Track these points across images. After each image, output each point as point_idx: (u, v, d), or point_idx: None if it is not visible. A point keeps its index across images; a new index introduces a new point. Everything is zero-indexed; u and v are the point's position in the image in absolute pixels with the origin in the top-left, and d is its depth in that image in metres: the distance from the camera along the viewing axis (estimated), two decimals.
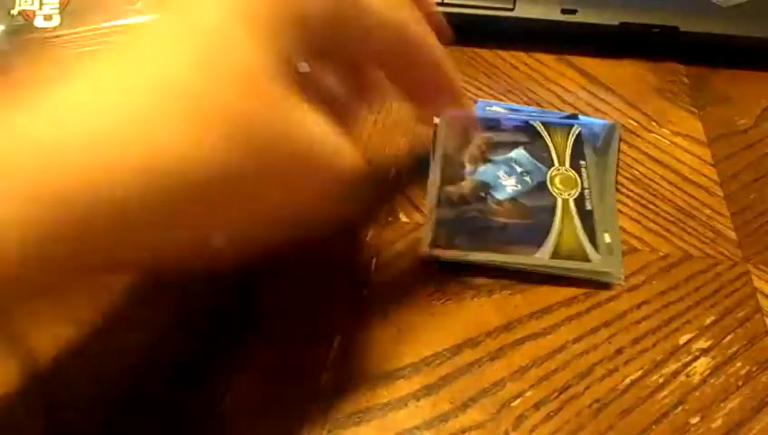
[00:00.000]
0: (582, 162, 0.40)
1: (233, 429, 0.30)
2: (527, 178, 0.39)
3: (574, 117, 0.44)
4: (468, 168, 0.40)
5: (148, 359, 0.32)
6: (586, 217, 0.36)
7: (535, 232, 0.36)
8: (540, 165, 0.40)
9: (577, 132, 0.41)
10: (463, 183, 0.39)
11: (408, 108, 0.32)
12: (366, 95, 0.31)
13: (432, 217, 0.37)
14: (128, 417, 0.30)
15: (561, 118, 0.43)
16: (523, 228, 0.36)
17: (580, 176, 0.39)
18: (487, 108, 0.45)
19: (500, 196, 0.38)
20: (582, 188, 0.38)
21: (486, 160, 0.40)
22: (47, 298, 0.20)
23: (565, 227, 0.36)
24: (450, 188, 0.39)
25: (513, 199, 0.38)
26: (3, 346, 0.32)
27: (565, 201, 0.37)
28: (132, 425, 0.30)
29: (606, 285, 0.35)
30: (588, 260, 0.34)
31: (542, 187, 0.38)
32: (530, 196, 0.38)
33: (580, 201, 0.37)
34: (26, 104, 0.19)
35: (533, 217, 0.37)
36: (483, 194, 0.38)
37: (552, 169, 0.39)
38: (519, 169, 0.39)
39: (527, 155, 0.40)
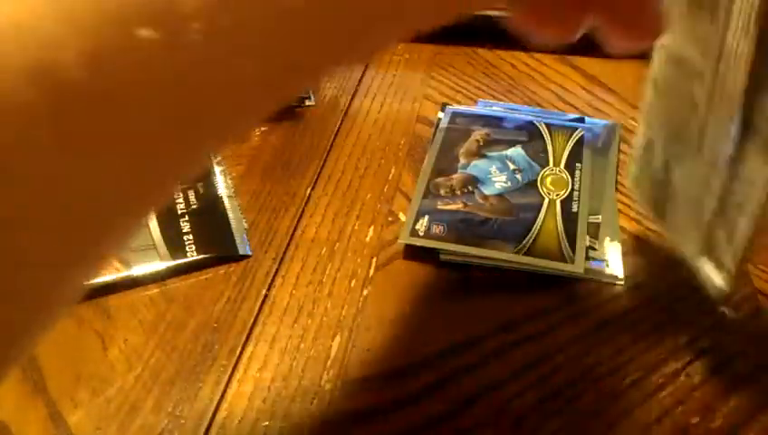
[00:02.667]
0: (578, 164, 0.40)
1: (234, 428, 0.30)
2: (518, 176, 0.39)
3: (580, 120, 0.44)
4: (462, 161, 0.40)
5: None
6: (569, 219, 0.36)
7: (515, 229, 0.36)
8: (534, 164, 0.40)
9: (579, 135, 0.41)
10: (453, 176, 0.39)
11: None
12: None
13: (416, 207, 0.37)
14: None
15: (567, 120, 0.43)
16: (504, 225, 0.36)
17: (573, 177, 0.39)
18: (487, 107, 0.45)
19: (487, 191, 0.38)
20: (572, 190, 0.38)
21: (481, 156, 0.40)
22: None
23: (546, 226, 0.36)
24: (439, 180, 0.39)
25: (499, 195, 0.38)
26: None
27: (552, 202, 0.37)
28: None
29: (606, 285, 0.35)
30: (563, 261, 0.34)
31: (531, 185, 0.38)
32: (517, 193, 0.38)
33: (567, 202, 0.37)
34: None
35: (517, 215, 0.37)
36: (470, 188, 0.38)
37: (546, 169, 0.39)
38: (512, 167, 0.40)
39: (523, 153, 0.41)
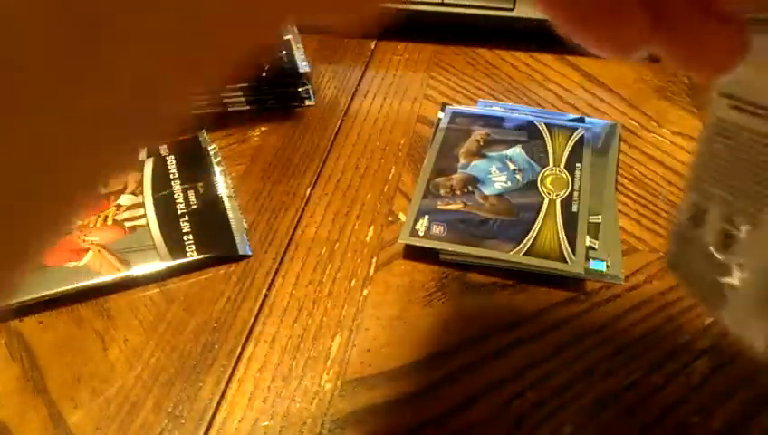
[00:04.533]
0: (578, 164, 0.40)
1: (234, 428, 0.30)
2: (518, 176, 0.39)
3: (580, 120, 0.44)
4: (462, 161, 0.40)
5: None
6: (570, 219, 0.36)
7: (515, 229, 0.36)
8: (534, 164, 0.40)
9: (580, 135, 0.41)
10: (453, 176, 0.39)
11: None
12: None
13: (416, 207, 0.38)
14: None
15: (567, 120, 0.43)
16: (504, 225, 0.36)
17: (573, 177, 0.39)
18: (487, 107, 0.45)
19: (487, 191, 0.38)
20: (572, 190, 0.38)
21: (481, 156, 0.40)
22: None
23: (546, 226, 0.36)
24: (439, 180, 0.39)
25: (499, 195, 0.38)
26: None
27: (552, 202, 0.37)
28: None
29: (606, 285, 0.35)
30: (563, 261, 0.34)
31: (531, 186, 0.38)
32: (517, 193, 0.38)
33: (566, 202, 0.37)
34: None
35: (517, 215, 0.37)
36: (470, 188, 0.38)
37: (546, 169, 0.39)
38: (512, 167, 0.40)
39: (523, 153, 0.41)
